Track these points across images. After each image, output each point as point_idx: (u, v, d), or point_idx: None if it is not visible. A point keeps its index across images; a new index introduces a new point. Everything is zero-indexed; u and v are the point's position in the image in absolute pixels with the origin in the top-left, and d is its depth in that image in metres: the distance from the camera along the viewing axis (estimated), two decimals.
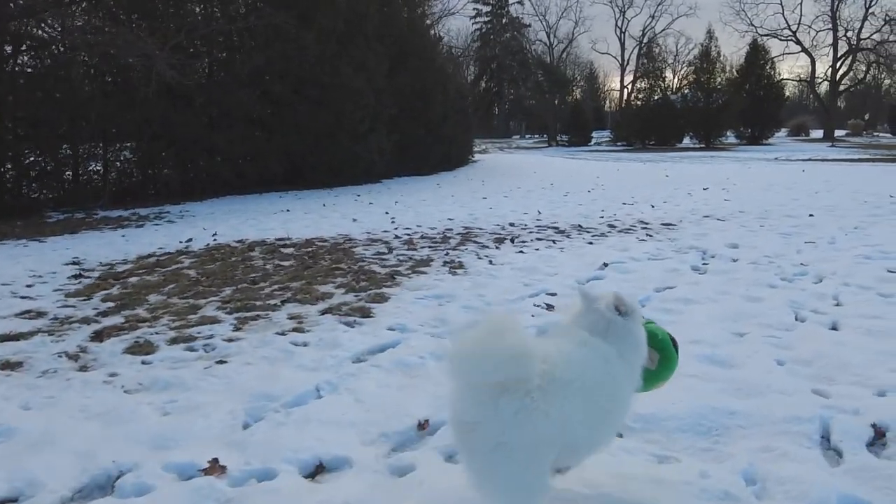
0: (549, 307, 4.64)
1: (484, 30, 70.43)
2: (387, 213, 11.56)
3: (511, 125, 79.05)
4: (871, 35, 49.94)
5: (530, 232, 8.80)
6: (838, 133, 54.28)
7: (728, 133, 46.57)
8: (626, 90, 59.18)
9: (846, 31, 51.95)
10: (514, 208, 11.69)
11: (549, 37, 65.65)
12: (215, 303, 5.16)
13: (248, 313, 4.79)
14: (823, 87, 55.93)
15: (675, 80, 47.54)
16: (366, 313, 4.66)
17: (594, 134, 53.62)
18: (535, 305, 4.67)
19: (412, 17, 23.10)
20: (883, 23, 47.06)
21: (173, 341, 4.15)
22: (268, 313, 4.76)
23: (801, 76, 58.69)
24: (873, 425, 2.56)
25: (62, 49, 14.15)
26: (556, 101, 55.92)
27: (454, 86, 25.94)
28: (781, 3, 53.85)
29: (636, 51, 60.38)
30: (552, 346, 1.96)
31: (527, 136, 69.37)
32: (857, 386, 2.97)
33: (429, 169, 22.47)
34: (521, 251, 7.26)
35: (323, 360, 3.60)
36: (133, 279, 6.27)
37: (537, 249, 7.36)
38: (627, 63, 63.92)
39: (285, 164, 17.19)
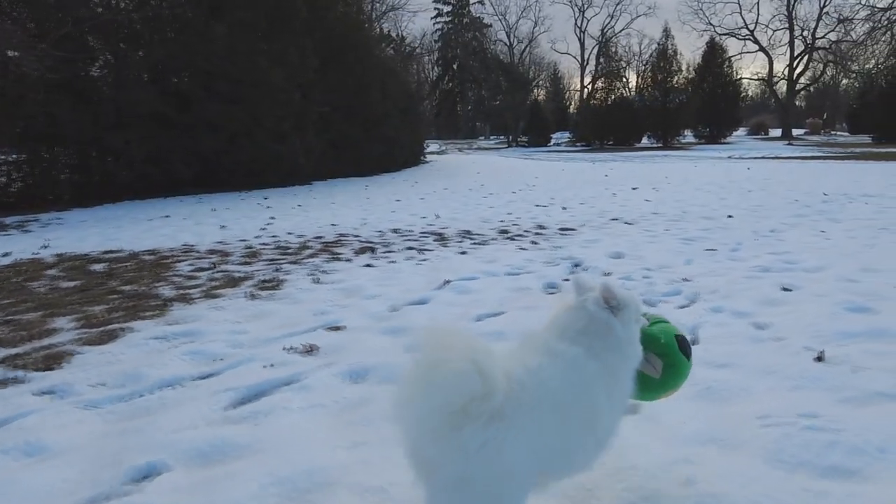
0: (308, 350, 3.39)
1: (445, 30, 69.39)
2: (273, 217, 10.30)
3: (477, 126, 78.09)
4: (826, 34, 49.95)
5: (407, 240, 7.59)
6: (797, 132, 54.31)
7: (686, 132, 46.09)
8: (585, 90, 58.45)
9: (802, 30, 51.97)
10: (416, 212, 10.49)
11: (509, 37, 64.75)
12: None
13: None
14: (785, 87, 55.78)
15: (639, 80, 46.62)
16: (52, 363, 3.36)
17: (555, 134, 52.84)
18: (283, 349, 3.41)
19: (347, 12, 21.71)
20: (836, 22, 46.98)
21: None
22: None
23: (761, 75, 58.73)
24: None
25: None
26: (517, 102, 54.94)
27: (398, 84, 24.61)
28: (739, 3, 53.69)
29: (595, 50, 59.68)
30: (515, 360, 1.64)
31: (491, 138, 68.44)
32: None
33: (368, 170, 21.18)
34: (369, 264, 6.03)
35: None
36: None
37: (392, 262, 6.14)
38: (587, 63, 63.22)
39: (196, 166, 15.70)
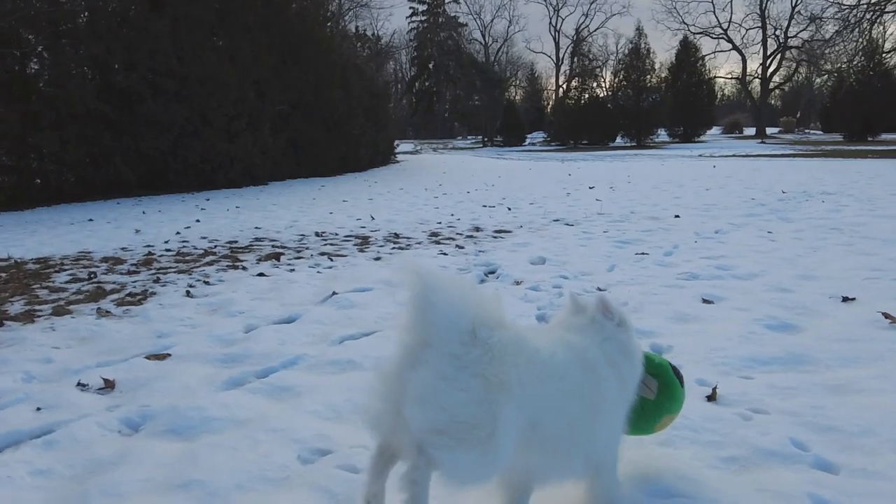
0: (106, 386, 2.75)
1: (420, 29, 68.72)
2: (198, 220, 9.63)
3: (456, 126, 77.44)
4: (799, 33, 50.09)
5: (326, 244, 6.97)
6: (771, 130, 54.48)
7: (660, 131, 45.87)
8: (560, 89, 58.09)
9: (775, 29, 52.06)
10: (355, 214, 9.87)
11: (483, 36, 64.16)
12: None
13: None
14: (759, 86, 55.85)
15: (616, 79, 46.02)
16: None
17: (531, 134, 52.42)
18: (78, 385, 2.78)
19: (307, 7, 20.98)
20: (808, 21, 47.07)
21: None
22: None
23: (735, 74, 58.79)
24: None
25: None
26: (491, 102, 54.41)
27: (363, 82, 23.88)
28: (712, 2, 53.79)
29: (569, 49, 59.33)
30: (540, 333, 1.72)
31: (468, 138, 67.84)
32: None
33: (331, 170, 20.45)
34: (262, 273, 5.39)
35: None
36: None
37: (291, 270, 5.51)
38: (562, 62, 62.81)
39: (140, 167, 14.95)
